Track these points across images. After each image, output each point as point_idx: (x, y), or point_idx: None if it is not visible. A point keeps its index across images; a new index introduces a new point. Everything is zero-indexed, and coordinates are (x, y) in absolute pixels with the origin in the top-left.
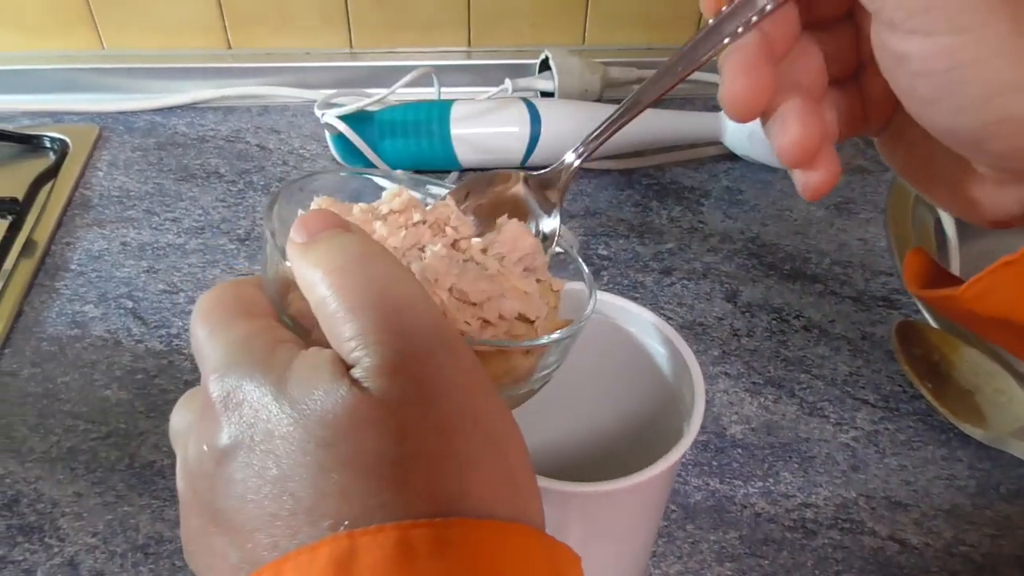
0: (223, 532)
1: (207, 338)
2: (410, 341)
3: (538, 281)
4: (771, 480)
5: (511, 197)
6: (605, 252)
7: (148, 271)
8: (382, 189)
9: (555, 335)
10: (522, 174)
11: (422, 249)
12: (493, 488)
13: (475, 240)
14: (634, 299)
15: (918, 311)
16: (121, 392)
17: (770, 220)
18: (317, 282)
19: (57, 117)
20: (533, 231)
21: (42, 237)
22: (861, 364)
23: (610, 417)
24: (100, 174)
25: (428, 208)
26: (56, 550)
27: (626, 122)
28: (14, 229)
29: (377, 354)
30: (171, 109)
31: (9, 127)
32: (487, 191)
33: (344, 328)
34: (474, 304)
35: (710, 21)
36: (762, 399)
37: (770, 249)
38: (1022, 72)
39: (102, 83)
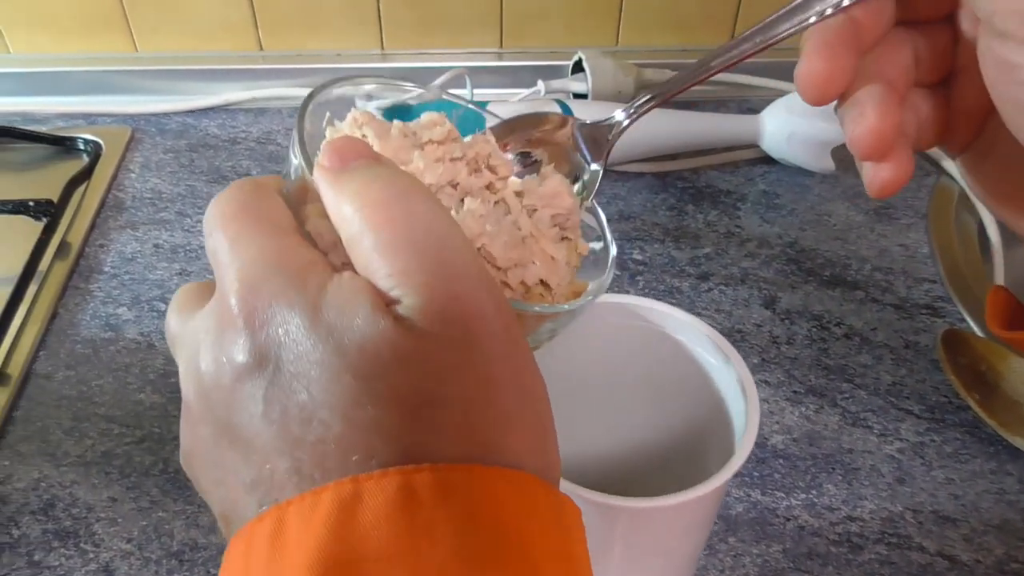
0: (238, 449)
1: (231, 247)
2: (456, 284)
3: (565, 239)
4: (814, 492)
5: (557, 140)
6: (640, 257)
7: (181, 273)
8: (416, 108)
9: (567, 305)
10: (572, 119)
11: (455, 186)
12: (526, 442)
13: (513, 180)
14: (671, 305)
15: (963, 320)
16: (155, 396)
17: (808, 225)
18: (351, 215)
19: (90, 119)
20: (574, 178)
21: (76, 239)
22: (905, 373)
23: (658, 427)
24: (133, 176)
25: (467, 141)
26: (91, 556)
27: (689, 86)
28: (49, 231)
29: (422, 294)
30: (203, 111)
31: (43, 129)
32: (533, 130)
33: (384, 264)
34: (499, 268)
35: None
36: (803, 408)
37: (809, 255)
38: None
39: (135, 85)
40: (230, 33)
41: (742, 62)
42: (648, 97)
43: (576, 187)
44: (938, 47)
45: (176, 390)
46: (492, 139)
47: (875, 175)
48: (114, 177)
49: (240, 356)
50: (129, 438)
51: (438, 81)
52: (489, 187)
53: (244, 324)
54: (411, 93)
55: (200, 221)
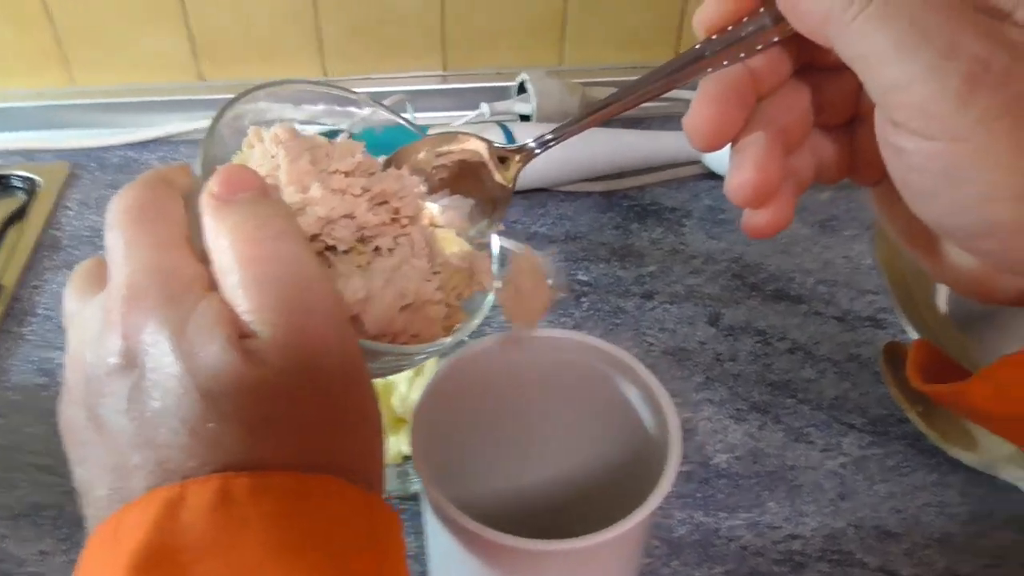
0: (100, 437)
1: (125, 251)
2: (305, 321)
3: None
4: (757, 511)
5: (473, 162)
6: (585, 277)
7: None
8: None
9: (414, 348)
10: (485, 141)
11: (352, 217)
12: (352, 456)
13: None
14: (615, 325)
15: (904, 331)
16: None
17: (753, 240)
18: (224, 248)
19: (28, 155)
20: (490, 201)
21: (9, 281)
22: (848, 387)
23: (592, 461)
24: (71, 213)
25: (378, 174)
26: None
27: (591, 124)
28: None
29: (273, 330)
30: (144, 143)
31: None
32: (448, 149)
33: (244, 300)
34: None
35: (697, 44)
36: (747, 426)
37: (753, 269)
38: (1018, 182)
39: (74, 119)
40: (170, 64)
41: (644, 102)
42: (551, 137)
43: (480, 226)
44: (843, 91)
45: None
46: (405, 174)
47: (749, 219)
48: (51, 215)
49: (113, 357)
50: (61, 488)
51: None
52: (394, 221)
53: (122, 329)
54: (357, 115)
55: None
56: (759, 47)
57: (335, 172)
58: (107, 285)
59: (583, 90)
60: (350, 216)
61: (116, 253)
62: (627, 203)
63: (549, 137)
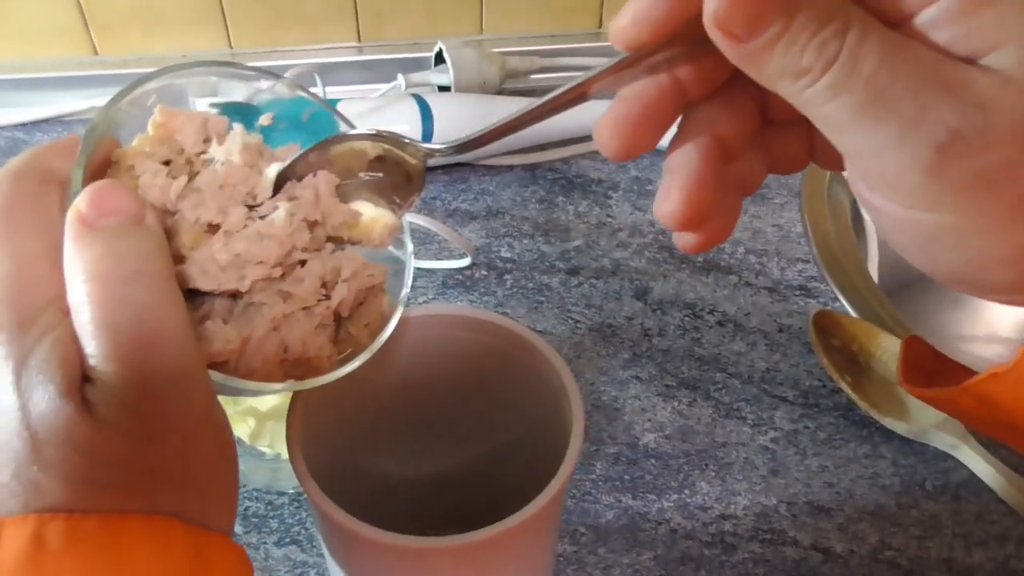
0: None
1: None
2: (145, 377)
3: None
4: (687, 492)
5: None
6: (508, 254)
7: None
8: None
9: (275, 386)
10: (383, 146)
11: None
12: (186, 506)
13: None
14: (539, 303)
15: (836, 299)
16: None
17: None
18: (78, 284)
19: None
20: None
21: None
22: (779, 359)
23: (502, 446)
24: None
25: (300, 197)
26: None
27: (494, 137)
28: None
29: (113, 384)
30: (34, 123)
31: None
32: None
33: (90, 343)
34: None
35: (614, 59)
36: (676, 403)
37: None
38: (998, 245)
39: None
40: (60, 37)
41: (554, 113)
42: (455, 144)
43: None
44: None
45: None
46: (322, 186)
47: (679, 238)
48: None
49: None
50: None
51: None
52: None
53: None
54: (261, 85)
55: None
56: (688, 58)
57: (207, 161)
58: None
59: (503, 60)
60: (265, 259)
61: None
62: (551, 176)
63: (451, 145)
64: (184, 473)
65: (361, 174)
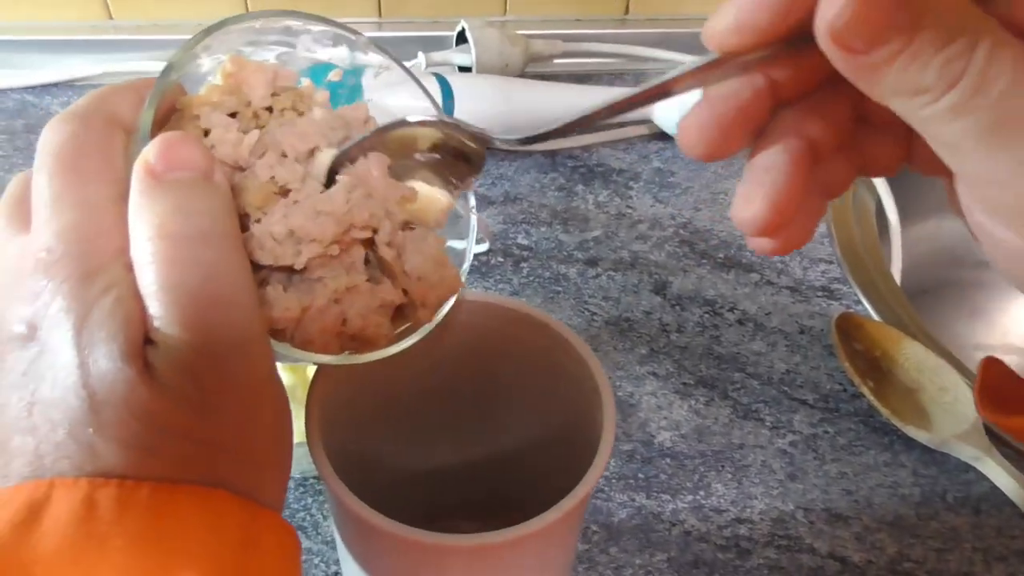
0: None
1: (52, 203)
2: (209, 342)
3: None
4: (702, 493)
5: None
6: (525, 241)
7: None
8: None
9: (334, 359)
10: (445, 132)
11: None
12: (240, 474)
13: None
14: (556, 293)
15: (859, 302)
16: None
17: (703, 204)
18: (145, 241)
19: None
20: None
21: None
22: (799, 361)
23: (525, 442)
24: None
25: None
26: None
27: (576, 127)
28: None
29: (175, 349)
30: (45, 87)
31: None
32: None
33: (155, 304)
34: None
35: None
36: (693, 401)
37: (703, 236)
38: None
39: None
40: (75, 1)
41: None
42: (525, 138)
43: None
44: None
45: None
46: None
47: (754, 242)
48: None
49: (18, 325)
50: None
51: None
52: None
53: (30, 297)
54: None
55: None
56: (786, 56)
57: (280, 111)
58: (31, 230)
59: (526, 42)
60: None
61: (40, 202)
62: (571, 163)
63: (520, 139)
64: (241, 444)
65: (417, 155)
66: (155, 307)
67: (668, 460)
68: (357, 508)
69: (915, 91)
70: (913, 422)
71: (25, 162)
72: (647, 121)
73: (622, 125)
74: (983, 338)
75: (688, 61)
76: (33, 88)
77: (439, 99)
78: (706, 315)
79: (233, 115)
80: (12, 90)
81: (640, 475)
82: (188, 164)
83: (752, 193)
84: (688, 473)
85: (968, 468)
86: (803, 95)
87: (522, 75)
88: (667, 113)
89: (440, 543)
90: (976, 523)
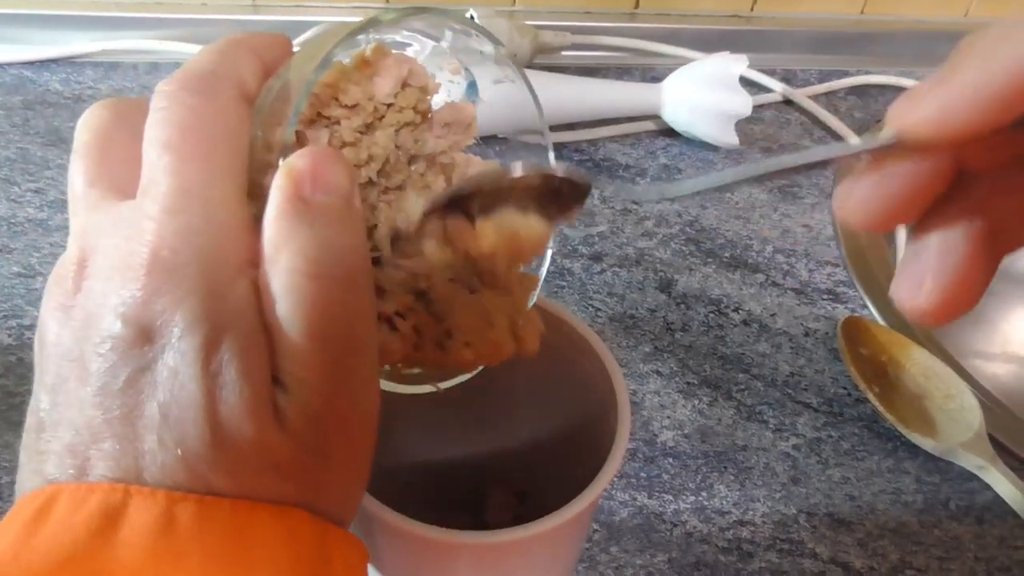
0: (81, 389)
1: (169, 181)
2: (339, 390)
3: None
4: (704, 494)
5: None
6: None
7: (1, 250)
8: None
9: (429, 388)
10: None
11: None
12: (321, 503)
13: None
14: (560, 288)
15: (865, 306)
16: None
17: (710, 203)
18: (290, 273)
19: None
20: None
21: None
22: (803, 363)
23: (547, 432)
24: None
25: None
26: None
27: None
28: None
29: (306, 395)
30: (44, 63)
31: None
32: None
33: (289, 344)
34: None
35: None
36: (696, 401)
37: (709, 234)
38: None
39: None
40: None
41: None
42: (664, 198)
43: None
44: None
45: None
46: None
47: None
48: None
49: (127, 326)
50: None
51: (305, 35)
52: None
53: (143, 299)
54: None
55: (31, 190)
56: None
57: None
58: (138, 203)
59: (535, 32)
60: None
61: (159, 186)
62: (578, 157)
63: (661, 198)
64: (341, 481)
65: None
66: (290, 348)
67: (671, 460)
68: (364, 501)
69: None
70: (918, 429)
71: (21, 139)
72: (655, 116)
73: (630, 120)
74: (983, 345)
75: (858, 143)
76: (31, 64)
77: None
78: (711, 314)
79: (354, 107)
80: (10, 65)
81: (642, 474)
82: (336, 188)
83: (922, 276)
84: (691, 474)
85: (972, 477)
86: (994, 169)
87: (530, 66)
88: (675, 109)
89: (449, 540)
90: (979, 532)
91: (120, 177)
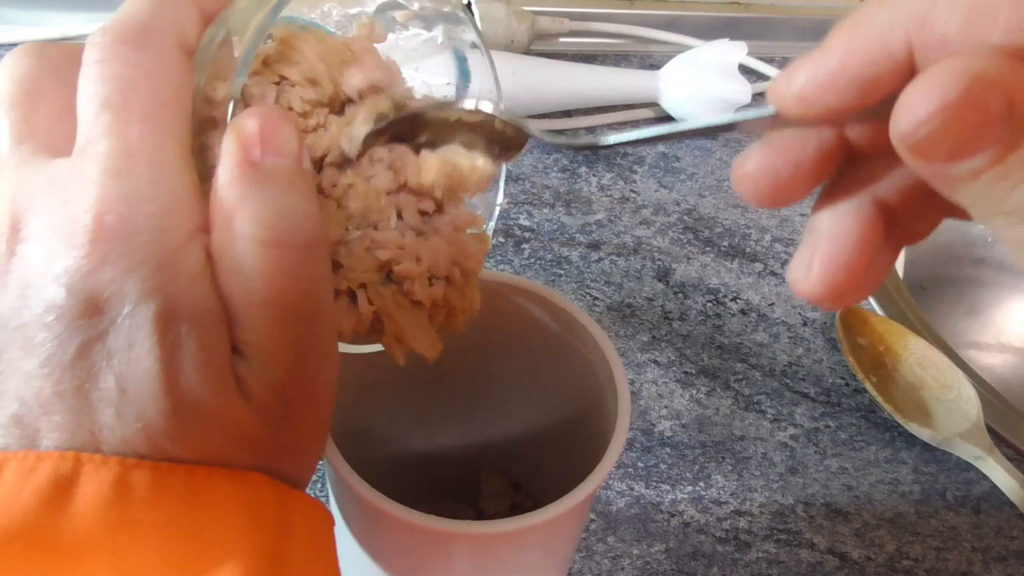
0: (25, 359)
1: (109, 141)
2: (299, 358)
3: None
4: (702, 484)
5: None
6: (527, 223)
7: None
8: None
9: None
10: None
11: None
12: (280, 467)
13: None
14: (557, 276)
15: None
16: None
17: (708, 191)
18: (246, 241)
19: None
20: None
21: None
22: (801, 353)
23: (545, 420)
24: None
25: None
26: None
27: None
28: None
29: (266, 363)
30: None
31: None
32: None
33: (247, 313)
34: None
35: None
36: (694, 391)
37: (707, 223)
38: None
39: None
40: None
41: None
42: (573, 144)
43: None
44: None
45: None
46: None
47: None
48: None
49: (65, 295)
50: None
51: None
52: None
53: (90, 267)
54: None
55: None
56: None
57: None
58: (74, 156)
59: (532, 18)
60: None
61: (98, 146)
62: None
63: (569, 144)
64: (302, 449)
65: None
66: (249, 318)
67: (668, 450)
68: (363, 491)
69: (998, 210)
70: (915, 419)
71: None
72: (653, 104)
73: (628, 107)
74: (978, 336)
75: (746, 113)
76: (13, 46)
77: (455, 75)
78: (709, 303)
79: (312, 81)
80: (1, 46)
81: (640, 464)
82: (287, 150)
83: (810, 260)
84: (688, 463)
85: (969, 467)
86: (879, 152)
87: (527, 52)
88: (674, 96)
89: (447, 529)
90: (976, 523)
91: (51, 134)
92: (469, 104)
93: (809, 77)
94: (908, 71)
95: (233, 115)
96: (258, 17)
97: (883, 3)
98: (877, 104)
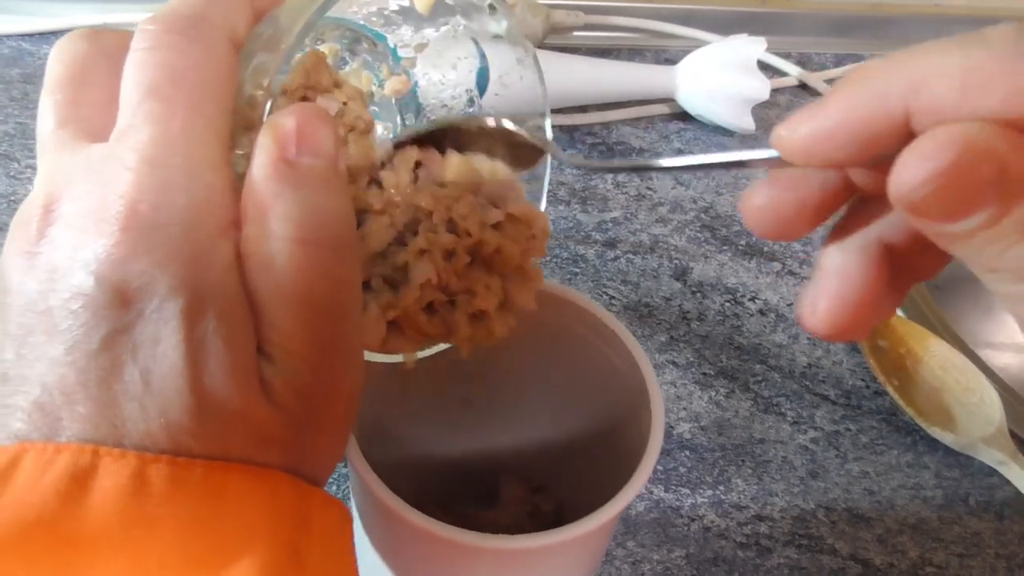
0: (50, 344)
1: (151, 130)
2: (325, 360)
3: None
4: (722, 488)
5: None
6: None
7: (1, 228)
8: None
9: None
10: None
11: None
12: (301, 464)
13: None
14: (574, 275)
15: None
16: None
17: (725, 188)
18: (278, 239)
19: None
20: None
21: None
22: (821, 355)
23: (573, 429)
24: None
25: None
26: None
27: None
28: None
29: (292, 365)
30: (43, 35)
31: None
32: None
33: (274, 313)
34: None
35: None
36: (713, 393)
37: (724, 221)
38: None
39: None
40: None
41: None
42: (585, 165)
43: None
44: None
45: None
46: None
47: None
48: None
49: (93, 284)
50: None
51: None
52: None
53: (119, 255)
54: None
55: (31, 166)
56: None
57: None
58: (111, 141)
59: (547, 11)
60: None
61: (139, 134)
62: (591, 140)
63: (582, 165)
64: (322, 446)
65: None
66: (277, 318)
67: (687, 453)
68: (386, 498)
69: (994, 267)
70: (938, 423)
71: (20, 113)
72: (669, 100)
73: (643, 103)
74: (992, 336)
75: (753, 153)
76: (30, 36)
77: (475, 69)
78: (727, 303)
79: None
80: (8, 37)
81: (659, 467)
82: (322, 150)
83: (817, 297)
84: (708, 467)
85: (992, 472)
86: (883, 194)
87: (541, 46)
88: (691, 92)
89: (474, 543)
90: (999, 529)
91: (95, 119)
92: (490, 121)
93: (810, 130)
94: (906, 130)
95: (271, 113)
96: (305, 15)
97: (882, 66)
98: (877, 156)
